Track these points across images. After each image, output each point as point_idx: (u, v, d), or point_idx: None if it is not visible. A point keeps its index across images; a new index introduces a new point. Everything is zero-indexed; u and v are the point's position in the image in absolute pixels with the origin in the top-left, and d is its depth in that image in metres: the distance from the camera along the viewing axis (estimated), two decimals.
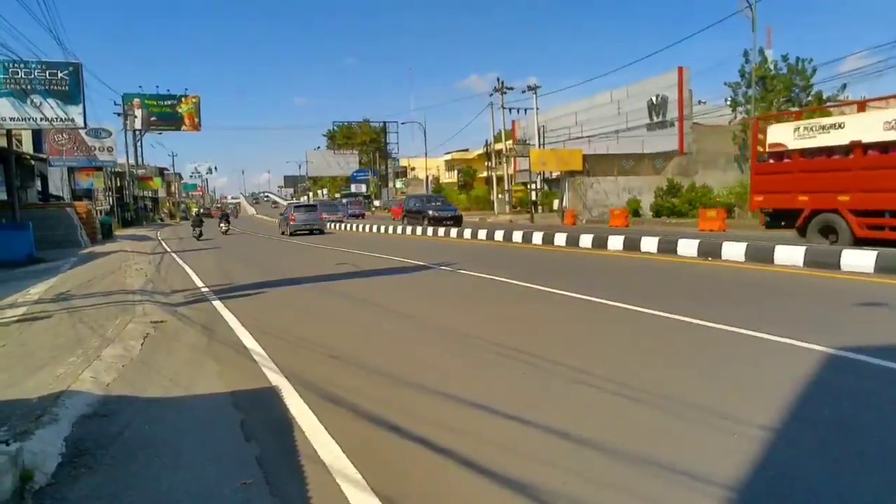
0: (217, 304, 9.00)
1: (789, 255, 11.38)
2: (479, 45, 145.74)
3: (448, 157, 76.75)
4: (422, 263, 13.56)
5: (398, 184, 73.75)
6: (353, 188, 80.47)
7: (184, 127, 52.44)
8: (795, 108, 31.16)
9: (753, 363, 5.07)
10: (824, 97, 30.57)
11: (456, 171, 72.13)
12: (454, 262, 13.47)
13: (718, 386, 4.51)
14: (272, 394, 4.55)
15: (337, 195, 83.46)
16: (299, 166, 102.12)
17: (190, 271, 13.88)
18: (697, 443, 3.48)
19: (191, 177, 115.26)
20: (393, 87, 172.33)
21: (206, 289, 10.74)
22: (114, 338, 6.40)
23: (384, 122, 77.68)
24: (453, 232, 24.14)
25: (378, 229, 30.86)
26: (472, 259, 14.39)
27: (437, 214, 29.72)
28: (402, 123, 71.56)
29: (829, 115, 27.31)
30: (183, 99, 51.65)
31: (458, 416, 4.01)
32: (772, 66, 32.08)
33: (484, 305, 8.45)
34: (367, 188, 79.14)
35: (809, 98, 31.23)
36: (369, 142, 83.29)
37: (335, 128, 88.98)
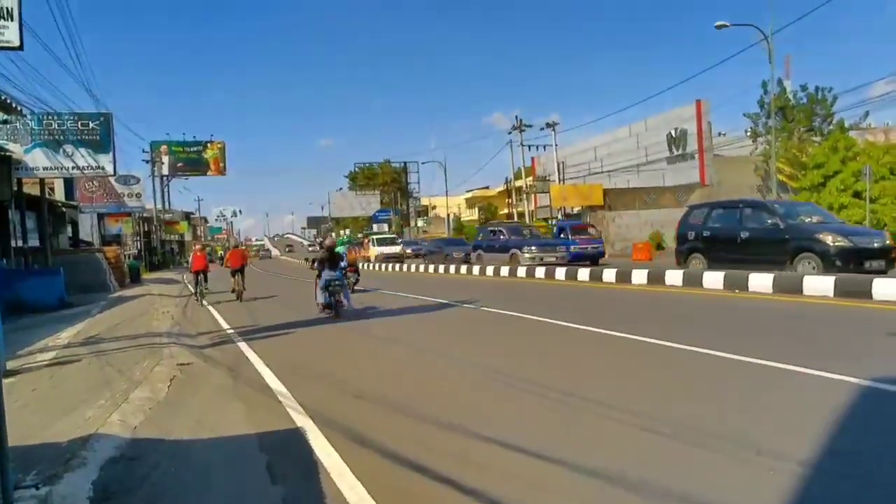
0: (242, 345, 9.05)
1: (818, 284, 11.18)
2: (499, 83, 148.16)
3: (469, 194, 77.19)
4: (445, 301, 13.54)
5: (420, 223, 74.17)
6: (375, 228, 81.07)
7: (209, 172, 53.54)
8: (817, 138, 30.95)
9: (785, 395, 4.95)
10: (846, 125, 30.23)
11: (477, 209, 72.42)
12: (477, 299, 13.43)
13: (753, 419, 4.39)
14: (298, 435, 4.53)
15: (359, 235, 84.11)
16: (322, 207, 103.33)
17: (216, 313, 14.00)
18: (733, 477, 3.38)
19: (216, 220, 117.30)
20: (414, 126, 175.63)
21: (232, 330, 10.82)
22: (141, 380, 6.46)
23: (405, 163, 78.61)
24: (475, 269, 23.94)
25: (393, 268, 31.01)
26: (494, 296, 14.35)
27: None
28: (423, 163, 71.92)
29: (853, 142, 27.20)
30: (208, 145, 52.86)
31: (486, 454, 3.95)
32: (791, 97, 32.03)
33: (509, 342, 8.38)
34: (389, 228, 79.71)
35: (831, 127, 30.96)
36: (390, 182, 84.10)
37: (356, 169, 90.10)
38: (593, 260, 25.14)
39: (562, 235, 26.59)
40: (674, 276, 14.44)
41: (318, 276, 12.26)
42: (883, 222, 23.12)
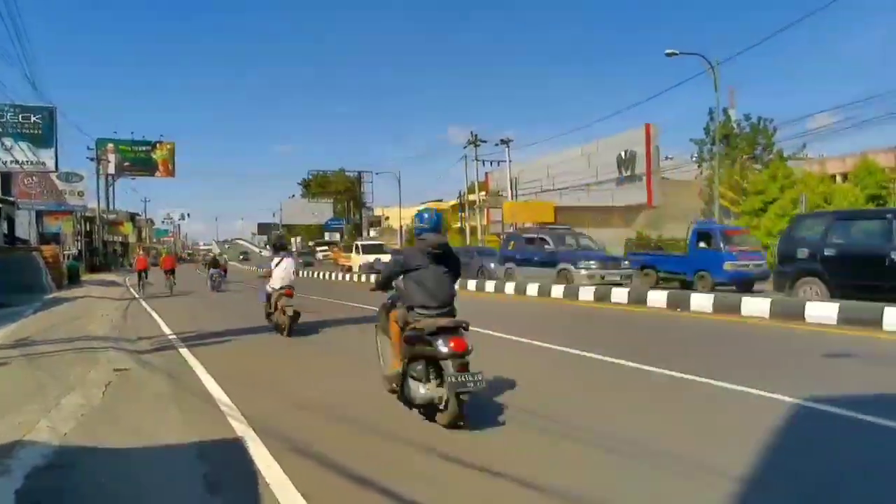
0: (185, 351, 8.82)
1: (755, 306, 11.60)
2: (457, 98, 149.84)
3: (422, 206, 77.31)
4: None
5: (372, 233, 73.89)
6: (327, 236, 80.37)
7: (158, 173, 52.24)
8: (758, 166, 32.26)
9: (724, 413, 5.14)
10: (785, 154, 31.68)
11: None
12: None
13: (700, 438, 4.53)
14: (238, 445, 4.44)
15: (310, 243, 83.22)
16: (273, 214, 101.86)
17: (158, 318, 13.62)
18: (678, 494, 3.47)
19: (163, 223, 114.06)
20: (370, 136, 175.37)
21: (174, 336, 10.53)
22: (74, 385, 6.22)
23: (359, 172, 78.13)
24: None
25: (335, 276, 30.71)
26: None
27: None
28: (378, 174, 71.59)
29: (791, 171, 28.50)
30: (158, 145, 51.60)
31: (428, 466, 3.95)
32: (735, 125, 33.29)
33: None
34: (341, 237, 79.10)
35: (771, 156, 32.33)
36: (344, 191, 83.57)
37: (310, 176, 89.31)
38: (747, 285, 16.68)
39: (702, 244, 17.57)
40: (619, 294, 14.73)
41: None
42: None
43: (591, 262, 18.01)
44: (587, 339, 9.16)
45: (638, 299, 14.23)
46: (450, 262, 5.34)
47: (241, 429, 4.81)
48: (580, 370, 7.20)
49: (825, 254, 11.59)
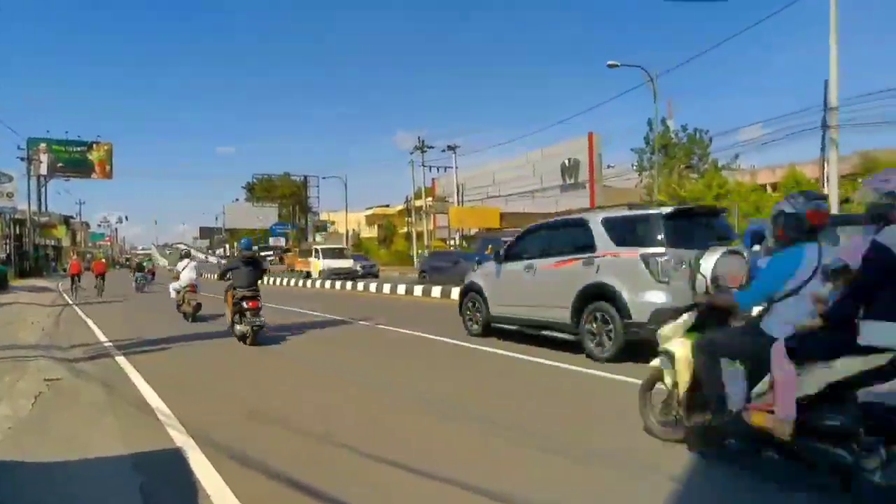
0: (121, 359, 8.57)
1: None
2: (404, 104, 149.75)
3: (369, 211, 76.98)
4: (340, 318, 13.44)
5: (318, 237, 73.10)
6: (272, 241, 79.00)
7: (94, 174, 50.45)
8: (695, 175, 33.47)
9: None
10: (720, 165, 33.03)
11: (376, 226, 72.32)
12: (372, 316, 13.42)
13: (616, 432, 4.66)
14: (177, 455, 4.36)
15: (254, 248, 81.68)
16: (216, 218, 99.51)
17: (92, 325, 13.19)
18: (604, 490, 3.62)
19: (99, 226, 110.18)
20: (317, 140, 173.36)
21: (110, 343, 10.21)
22: (1, 397, 6.00)
23: (305, 176, 77.24)
24: (372, 286, 23.37)
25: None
26: (390, 313, 14.37)
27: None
28: (324, 178, 70.91)
29: (724, 180, 29.68)
30: (94, 145, 49.83)
31: (374, 472, 3.99)
32: (673, 135, 34.45)
33: (402, 360, 8.44)
34: (286, 241, 77.90)
35: (707, 166, 33.59)
36: (290, 195, 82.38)
37: (255, 180, 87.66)
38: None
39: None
40: None
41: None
42: None
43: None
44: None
45: None
46: (255, 264, 10.67)
47: (180, 438, 4.73)
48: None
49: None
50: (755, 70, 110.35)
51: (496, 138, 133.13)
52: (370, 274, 33.32)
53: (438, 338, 10.00)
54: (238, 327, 9.82)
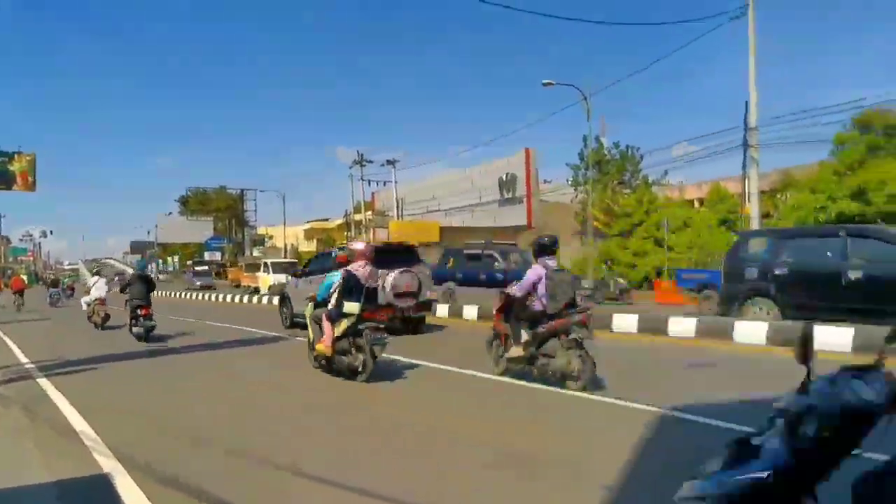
0: (43, 381, 8.24)
1: (624, 322, 12.36)
2: (343, 118, 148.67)
3: (307, 225, 76.16)
4: (275, 333, 13.28)
5: (255, 252, 71.70)
6: (207, 256, 77.03)
7: (15, 186, 47.93)
8: (627, 190, 34.63)
9: (599, 425, 5.56)
10: (650, 181, 34.32)
11: (315, 241, 71.55)
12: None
13: (566, 446, 4.85)
14: (104, 481, 4.25)
15: (189, 262, 79.43)
16: (148, 232, 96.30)
17: (11, 344, 12.63)
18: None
19: (21, 240, 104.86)
20: (253, 153, 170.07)
21: (32, 365, 9.80)
22: None
23: (242, 190, 75.87)
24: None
25: (237, 299, 29.43)
26: None
27: None
28: (261, 192, 69.75)
29: (654, 196, 30.88)
30: (15, 156, 47.41)
31: (312, 493, 4.04)
32: (606, 152, 35.57)
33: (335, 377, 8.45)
34: (222, 256, 76.11)
35: (638, 182, 34.81)
36: (225, 209, 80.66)
37: (189, 193, 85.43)
38: None
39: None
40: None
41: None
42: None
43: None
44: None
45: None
46: (147, 281, 13.56)
47: (108, 463, 4.62)
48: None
49: (776, 273, 10.98)
50: (683, 90, 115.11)
51: (436, 153, 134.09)
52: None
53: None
54: (135, 329, 12.74)
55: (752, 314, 11.08)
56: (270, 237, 77.80)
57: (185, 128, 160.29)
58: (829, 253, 10.53)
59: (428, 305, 13.14)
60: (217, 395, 7.51)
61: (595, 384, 6.66)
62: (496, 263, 17.70)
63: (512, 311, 7.44)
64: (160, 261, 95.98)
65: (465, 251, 19.37)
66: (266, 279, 30.97)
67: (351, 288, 7.73)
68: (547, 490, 3.98)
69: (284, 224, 63.89)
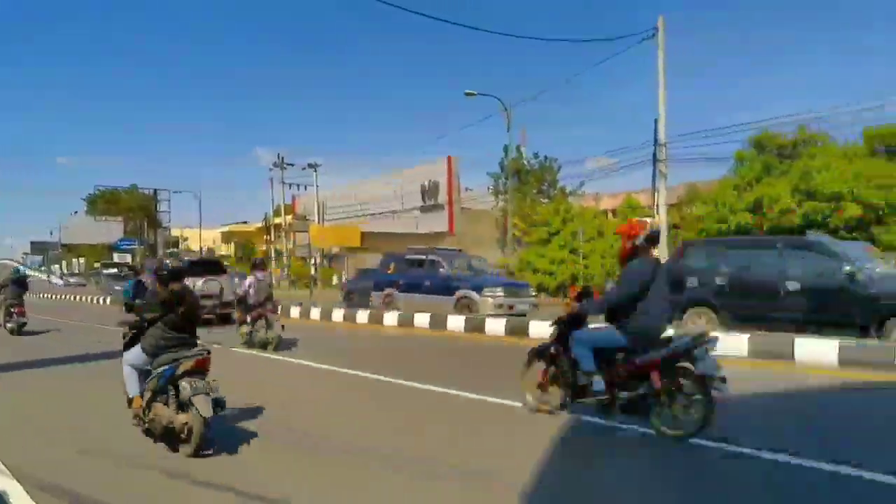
0: None
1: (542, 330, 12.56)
2: (263, 119, 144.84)
3: (225, 228, 74.14)
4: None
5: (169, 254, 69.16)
6: (117, 258, 73.56)
7: None
8: (545, 200, 35.65)
9: (501, 427, 5.68)
10: (567, 191, 35.48)
11: (233, 244, 69.73)
12: (224, 340, 13.02)
13: (482, 450, 4.97)
14: None
15: (97, 265, 75.63)
16: (51, 232, 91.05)
17: None
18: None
19: None
20: (168, 152, 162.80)
21: None
22: None
23: (155, 190, 72.91)
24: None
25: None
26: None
27: None
28: (176, 192, 67.20)
29: (570, 206, 31.95)
30: None
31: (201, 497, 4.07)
32: (526, 162, 36.51)
33: (245, 383, 8.39)
34: (133, 259, 72.92)
35: (555, 191, 35.91)
36: (137, 209, 77.34)
37: (97, 192, 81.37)
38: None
39: None
40: (421, 319, 15.33)
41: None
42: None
43: (498, 289, 15.61)
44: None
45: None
46: (22, 283, 15.49)
47: (6, 483, 4.40)
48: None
49: (716, 283, 11.33)
50: (600, 104, 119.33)
51: (358, 158, 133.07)
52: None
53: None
54: (8, 325, 14.80)
55: (692, 323, 11.31)
56: (185, 239, 75.28)
57: (94, 126, 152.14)
58: (767, 264, 10.93)
59: (230, 304, 14.54)
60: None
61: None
62: (441, 269, 16.86)
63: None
64: (63, 262, 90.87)
65: (408, 256, 18.40)
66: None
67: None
68: (469, 494, 4.09)
69: (200, 226, 62.00)
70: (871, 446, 5.11)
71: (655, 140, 26.74)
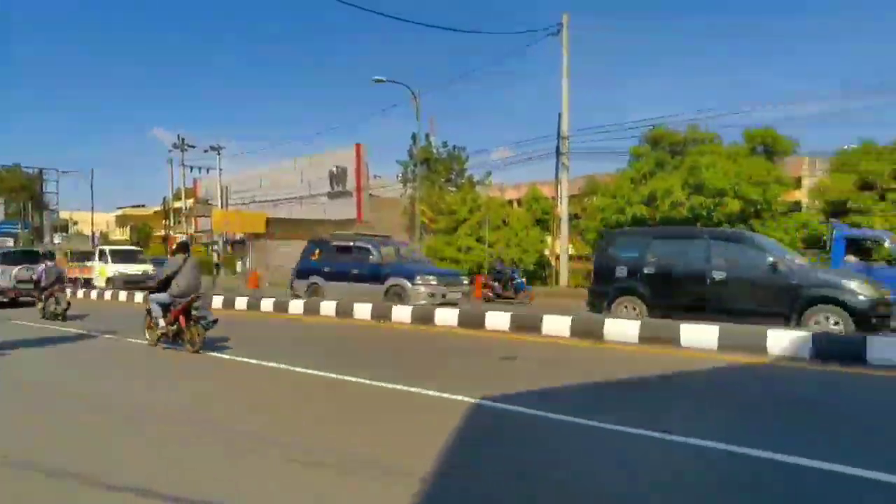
0: None
1: (444, 316, 12.75)
2: (163, 97, 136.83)
3: (120, 211, 70.33)
4: (81, 332, 12.37)
5: (56, 239, 64.79)
6: None
7: None
8: (453, 189, 36.14)
9: (415, 417, 5.71)
10: (475, 180, 36.15)
11: (129, 228, 66.30)
12: (120, 328, 12.54)
13: (386, 442, 4.90)
14: None
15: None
16: None
17: None
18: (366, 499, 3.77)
19: None
20: (57, 129, 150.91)
21: None
22: None
23: (40, 169, 67.98)
24: (122, 295, 21.60)
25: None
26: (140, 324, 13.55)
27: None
28: (64, 172, 62.87)
29: (477, 195, 32.60)
30: None
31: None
32: (435, 151, 36.84)
33: (151, 376, 8.20)
34: (15, 243, 67.80)
35: (463, 181, 36.47)
36: (20, 189, 71.90)
37: None
38: None
39: (851, 258, 14.13)
40: (328, 308, 15.15)
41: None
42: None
43: (430, 277, 15.29)
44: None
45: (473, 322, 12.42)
46: None
47: None
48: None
49: (645, 272, 11.45)
50: (508, 96, 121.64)
51: (264, 142, 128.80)
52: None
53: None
54: None
55: (621, 312, 11.58)
56: (75, 223, 70.78)
57: None
58: (694, 254, 11.10)
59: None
60: (41, 409, 6.98)
61: None
62: (371, 256, 16.14)
63: None
64: None
65: (334, 243, 17.60)
66: (103, 269, 27.46)
67: None
68: (361, 484, 4.06)
69: (93, 209, 58.46)
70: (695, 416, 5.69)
71: (559, 133, 27.78)
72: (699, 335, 9.55)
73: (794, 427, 5.33)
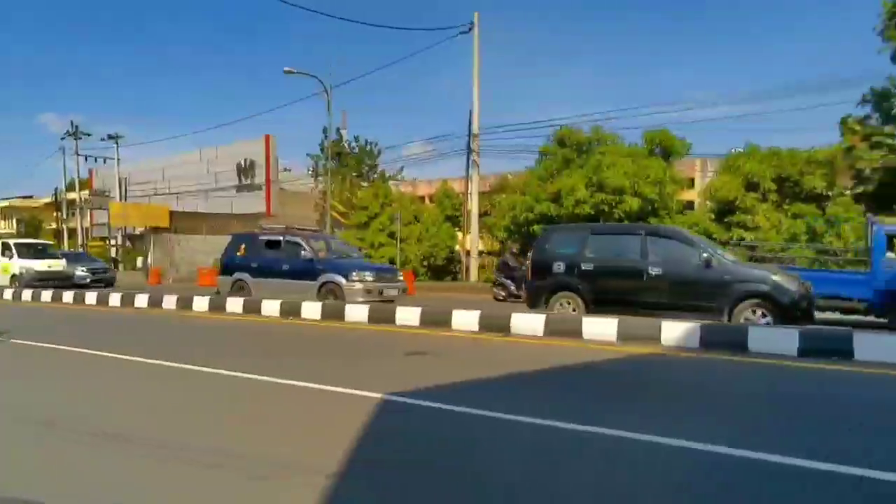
0: None
1: (355, 312, 12.76)
2: (54, 81, 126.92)
3: (5, 203, 65.39)
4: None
5: None
6: None
7: None
8: (365, 184, 36.07)
9: (321, 414, 5.69)
10: (387, 175, 36.23)
11: (16, 221, 61.82)
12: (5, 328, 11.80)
13: (287, 439, 4.91)
14: None
15: None
16: None
17: None
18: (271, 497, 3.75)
19: None
20: None
21: None
22: None
23: None
24: (235, 305, 15.06)
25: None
26: (27, 323, 12.83)
27: None
28: None
29: (389, 190, 32.69)
30: None
31: None
32: (346, 145, 36.62)
33: (38, 378, 7.84)
34: None
35: (375, 176, 36.48)
36: None
37: None
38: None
39: (893, 255, 12.70)
40: (234, 305, 14.94)
41: None
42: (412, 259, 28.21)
43: (367, 274, 14.85)
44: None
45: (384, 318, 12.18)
46: None
47: None
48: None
49: (582, 268, 11.53)
50: (420, 92, 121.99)
51: (167, 132, 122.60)
52: (101, 281, 26.07)
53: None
54: None
55: (558, 308, 11.64)
56: None
57: None
58: (630, 250, 11.30)
59: None
60: None
61: None
62: (303, 251, 15.44)
63: None
64: None
65: (262, 237, 16.74)
66: (7, 265, 24.69)
67: None
68: (265, 484, 4.04)
69: None
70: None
71: (469, 131, 28.30)
72: (600, 328, 10.05)
73: (665, 407, 5.83)
